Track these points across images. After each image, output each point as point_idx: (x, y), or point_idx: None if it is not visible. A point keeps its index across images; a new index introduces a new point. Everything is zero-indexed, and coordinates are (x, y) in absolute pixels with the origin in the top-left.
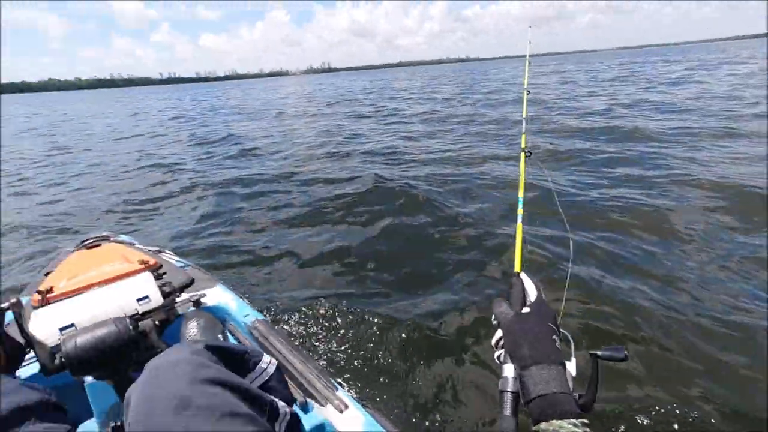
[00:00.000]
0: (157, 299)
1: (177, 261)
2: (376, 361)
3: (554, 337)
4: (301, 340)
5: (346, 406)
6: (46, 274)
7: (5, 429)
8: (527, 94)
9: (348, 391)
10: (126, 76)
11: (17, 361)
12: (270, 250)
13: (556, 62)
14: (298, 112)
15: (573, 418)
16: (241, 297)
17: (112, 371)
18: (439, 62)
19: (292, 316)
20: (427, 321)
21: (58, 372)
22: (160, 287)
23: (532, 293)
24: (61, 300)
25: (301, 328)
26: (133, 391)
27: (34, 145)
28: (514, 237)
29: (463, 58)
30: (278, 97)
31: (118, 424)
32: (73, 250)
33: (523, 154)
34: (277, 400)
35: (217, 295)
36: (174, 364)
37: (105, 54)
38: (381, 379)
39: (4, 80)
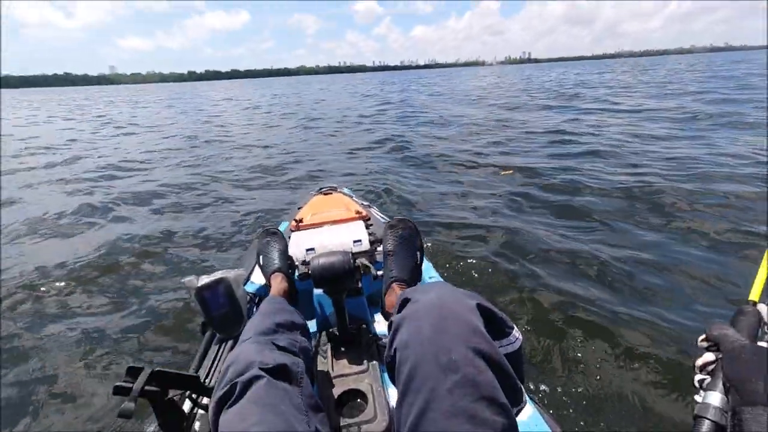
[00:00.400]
0: (366, 244)
1: (381, 217)
2: (551, 359)
3: None
4: None
5: None
6: (299, 208)
7: (285, 328)
8: None
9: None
10: (348, 64)
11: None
12: (485, 229)
13: None
14: (517, 104)
15: None
16: (428, 260)
17: (334, 290)
18: (680, 52)
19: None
20: (619, 324)
21: (306, 280)
22: (369, 235)
23: None
24: (307, 229)
25: None
26: (406, 323)
27: (312, 115)
28: (758, 263)
29: (720, 46)
30: (487, 85)
31: (330, 330)
32: (315, 194)
33: None
34: (520, 384)
35: None
36: (456, 317)
37: (337, 45)
38: (553, 378)
39: (275, 66)
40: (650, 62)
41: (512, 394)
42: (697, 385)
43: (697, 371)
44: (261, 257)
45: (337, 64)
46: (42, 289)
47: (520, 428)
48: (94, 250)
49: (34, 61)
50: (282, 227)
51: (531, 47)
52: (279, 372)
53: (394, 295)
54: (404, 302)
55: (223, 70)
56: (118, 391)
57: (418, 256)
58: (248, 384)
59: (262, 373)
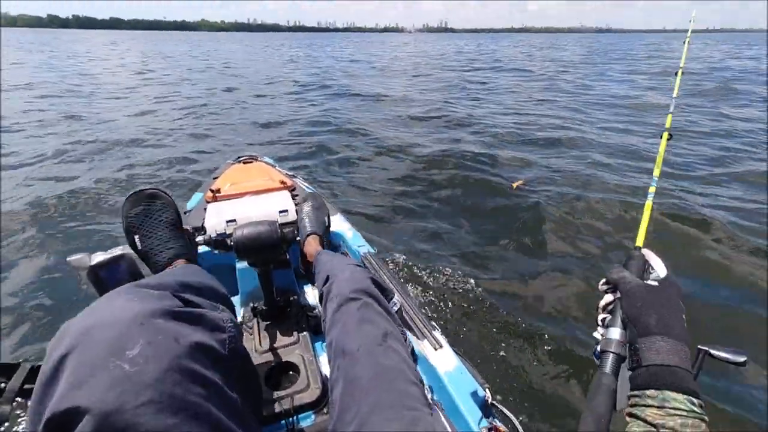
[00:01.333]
0: (292, 214)
1: (306, 186)
2: (468, 318)
3: (683, 316)
4: (403, 280)
5: (441, 346)
6: (215, 178)
7: (202, 295)
8: (681, 74)
9: (441, 334)
10: (260, 22)
11: (194, 242)
12: (396, 201)
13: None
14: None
15: (691, 396)
16: (356, 229)
17: (261, 261)
18: (570, 31)
19: (401, 260)
20: (523, 284)
21: (228, 251)
22: (295, 206)
23: (660, 269)
24: (226, 200)
25: (408, 272)
26: (332, 287)
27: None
28: (638, 215)
29: (602, 27)
30: (432, 56)
31: (256, 305)
32: (233, 163)
33: (665, 135)
34: (405, 330)
35: (337, 223)
36: (361, 278)
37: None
38: (471, 335)
39: (169, 18)
40: (541, 38)
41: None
42: (600, 323)
43: (600, 311)
44: (137, 238)
45: (246, 21)
46: None
47: (447, 378)
48: None
49: None
50: (195, 199)
51: (447, 15)
52: (192, 369)
53: (310, 246)
54: (327, 278)
55: (99, 17)
56: None
57: (326, 220)
58: (112, 427)
59: (151, 410)
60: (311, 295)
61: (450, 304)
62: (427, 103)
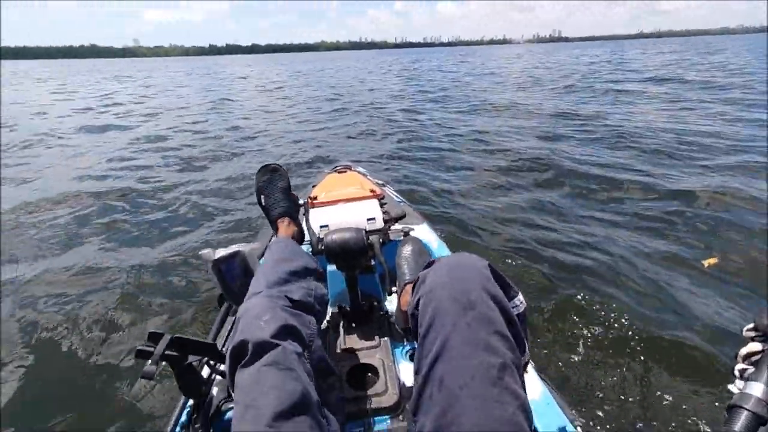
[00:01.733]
0: (380, 222)
1: (395, 196)
2: (563, 341)
3: None
4: None
5: (526, 371)
6: (313, 186)
7: (299, 276)
8: None
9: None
10: (370, 40)
11: (302, 241)
12: (483, 207)
13: None
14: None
15: None
16: (442, 239)
17: (348, 266)
18: (721, 33)
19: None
20: (649, 315)
21: (320, 255)
22: (383, 214)
23: None
24: (321, 207)
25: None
26: (430, 275)
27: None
28: None
29: (758, 27)
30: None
31: (343, 306)
32: (329, 172)
33: None
34: (524, 337)
35: (423, 232)
36: (471, 268)
37: (360, 22)
38: (562, 361)
39: (294, 41)
40: (686, 42)
41: (516, 339)
42: (737, 374)
43: (740, 360)
44: (262, 197)
45: (358, 40)
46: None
47: (532, 406)
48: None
49: (61, 33)
50: None
51: (562, 24)
52: (290, 334)
53: (407, 295)
54: (429, 264)
55: (243, 44)
56: (140, 354)
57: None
58: (259, 347)
59: (274, 340)
60: (394, 302)
61: (540, 323)
62: (584, 119)
